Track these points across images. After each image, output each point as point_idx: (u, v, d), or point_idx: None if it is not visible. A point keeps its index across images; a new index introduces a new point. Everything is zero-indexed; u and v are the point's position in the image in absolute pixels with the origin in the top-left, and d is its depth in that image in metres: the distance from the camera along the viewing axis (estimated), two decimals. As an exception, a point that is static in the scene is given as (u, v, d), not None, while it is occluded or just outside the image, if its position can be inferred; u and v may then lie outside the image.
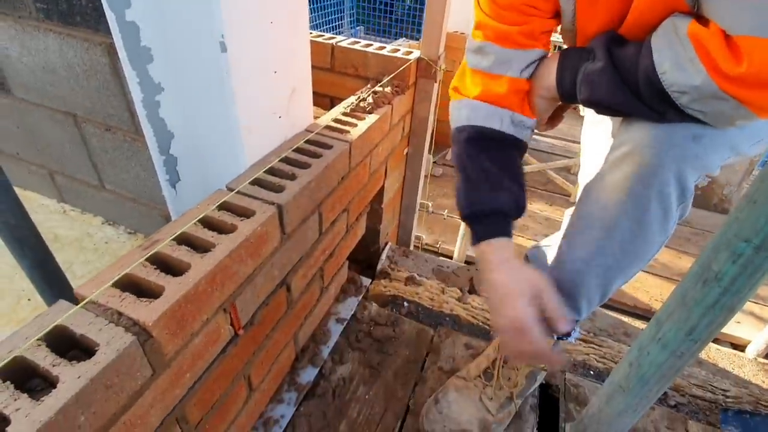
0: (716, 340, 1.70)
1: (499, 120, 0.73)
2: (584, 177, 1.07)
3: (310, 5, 3.66)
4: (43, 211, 1.43)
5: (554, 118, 0.76)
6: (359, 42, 1.24)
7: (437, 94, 1.29)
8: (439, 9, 1.13)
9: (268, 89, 0.74)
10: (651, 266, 1.95)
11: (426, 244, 1.81)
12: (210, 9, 0.60)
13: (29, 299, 1.15)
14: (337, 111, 0.98)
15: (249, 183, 0.69)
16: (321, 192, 0.79)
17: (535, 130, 0.78)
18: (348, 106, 1.01)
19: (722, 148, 0.60)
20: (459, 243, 1.67)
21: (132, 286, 0.51)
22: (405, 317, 1.10)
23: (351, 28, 4.47)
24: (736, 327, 1.72)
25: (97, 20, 0.92)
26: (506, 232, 0.70)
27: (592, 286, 0.72)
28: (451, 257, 1.76)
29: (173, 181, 0.85)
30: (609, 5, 0.64)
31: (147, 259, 0.54)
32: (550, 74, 0.70)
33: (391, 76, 1.14)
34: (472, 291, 1.26)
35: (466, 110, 0.75)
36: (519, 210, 0.72)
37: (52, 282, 0.86)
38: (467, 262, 1.71)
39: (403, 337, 1.04)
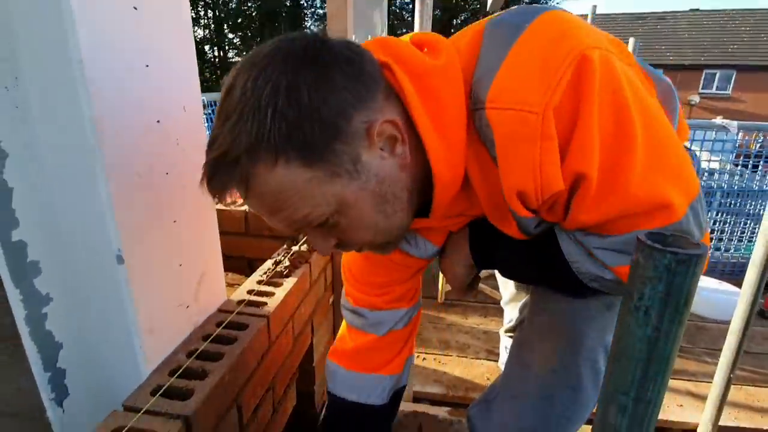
0: (668, 430, 1.70)
1: (364, 391, 0.82)
2: (505, 305, 1.14)
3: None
4: None
5: (472, 284, 0.78)
6: (272, 205, 1.31)
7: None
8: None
9: (173, 283, 0.72)
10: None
11: (369, 388, 1.70)
12: (104, 227, 0.60)
13: None
14: (252, 281, 0.97)
15: (151, 394, 0.62)
16: (238, 382, 0.73)
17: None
18: (264, 273, 1.01)
19: None
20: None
21: None
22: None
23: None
24: (680, 411, 1.76)
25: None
26: None
27: None
28: (397, 397, 1.66)
29: (60, 398, 0.74)
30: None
31: None
32: (463, 248, 0.70)
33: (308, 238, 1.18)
34: (423, 441, 1.17)
35: (337, 377, 0.84)
36: None
37: None
38: (415, 399, 1.62)
39: None
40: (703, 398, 1.78)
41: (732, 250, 2.95)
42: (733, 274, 2.82)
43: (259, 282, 0.97)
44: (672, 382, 1.94)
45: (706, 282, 2.47)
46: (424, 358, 1.97)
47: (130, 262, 0.62)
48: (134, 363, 0.67)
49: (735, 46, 18.54)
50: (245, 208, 1.27)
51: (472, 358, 2.03)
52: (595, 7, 3.45)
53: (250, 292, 0.92)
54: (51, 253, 0.65)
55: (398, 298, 0.81)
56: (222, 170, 0.47)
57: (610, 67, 0.48)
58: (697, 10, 20.65)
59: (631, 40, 2.53)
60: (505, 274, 0.70)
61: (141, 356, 0.66)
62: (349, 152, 0.48)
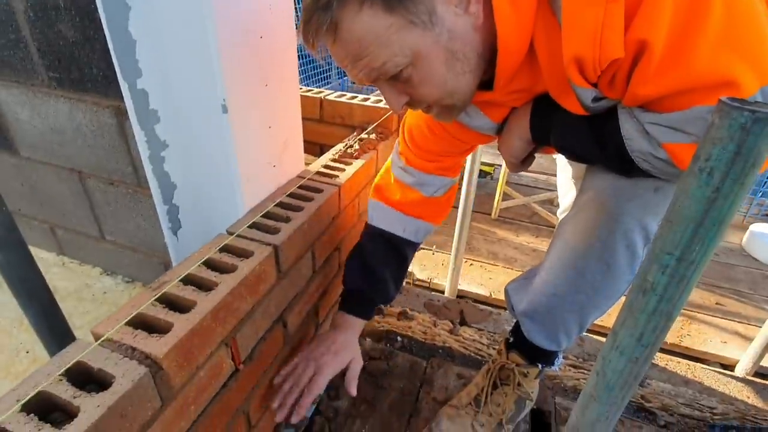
0: (706, 361, 1.73)
1: (402, 227, 0.91)
2: (561, 214, 1.16)
3: (299, 60, 3.89)
4: (43, 264, 1.46)
5: (526, 160, 0.80)
6: (345, 95, 1.36)
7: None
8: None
9: (264, 143, 0.83)
10: (637, 292, 2.01)
11: (418, 279, 1.85)
12: (213, 78, 0.69)
13: (27, 352, 1.17)
14: (326, 158, 1.07)
15: (247, 227, 0.76)
16: (313, 232, 0.85)
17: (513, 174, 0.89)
18: (336, 153, 1.10)
19: None
20: (449, 278, 1.72)
21: (143, 323, 0.56)
22: (398, 351, 1.14)
23: (339, 79, 4.71)
24: (723, 347, 1.76)
25: (106, 86, 1.02)
26: (364, 314, 0.92)
27: (568, 321, 0.76)
28: (442, 292, 1.81)
29: (175, 228, 0.91)
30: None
31: (156, 299, 0.59)
32: (524, 119, 0.71)
33: (375, 124, 1.24)
34: (464, 323, 1.31)
35: (379, 212, 0.92)
36: (385, 301, 0.95)
37: (57, 332, 0.89)
38: (459, 296, 1.76)
39: (397, 370, 1.07)
40: (749, 340, 1.76)
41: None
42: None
43: (332, 159, 1.07)
44: (722, 321, 1.92)
45: None
46: (471, 264, 2.09)
47: (232, 114, 0.72)
48: (234, 203, 0.80)
49: None
50: (322, 95, 1.33)
51: (518, 270, 2.11)
52: None
53: (325, 166, 1.02)
54: (167, 103, 0.76)
55: (446, 168, 0.88)
56: (315, 15, 0.54)
57: None
58: None
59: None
60: (561, 150, 0.70)
61: (240, 197, 0.79)
62: (426, 3, 0.52)
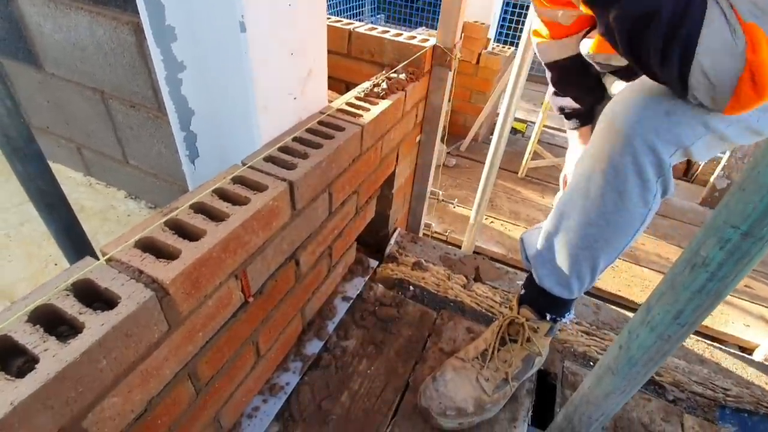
0: (724, 342, 1.69)
1: (572, 48, 0.96)
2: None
3: (331, -9, 3.65)
4: (71, 183, 1.50)
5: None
6: (376, 28, 1.26)
7: (452, 83, 1.30)
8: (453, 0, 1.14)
9: (285, 70, 0.77)
10: (659, 263, 1.94)
11: (435, 232, 1.83)
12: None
13: (56, 264, 1.22)
14: (351, 95, 1.01)
15: (263, 159, 0.73)
16: (332, 172, 0.82)
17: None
18: (362, 91, 1.04)
19: (694, 124, 0.63)
20: (468, 233, 1.69)
21: (152, 247, 0.55)
22: (410, 300, 1.13)
23: (372, 15, 4.45)
24: (744, 330, 1.70)
25: (125, 0, 0.96)
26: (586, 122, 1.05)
27: (579, 260, 0.77)
28: (459, 246, 1.78)
29: (193, 156, 0.89)
30: None
31: (166, 224, 0.58)
32: None
33: (406, 62, 1.15)
34: (478, 279, 1.28)
35: (548, 48, 1.02)
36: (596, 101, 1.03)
37: (77, 246, 0.91)
38: (476, 253, 1.73)
39: (407, 318, 1.07)
40: (777, 324, 1.69)
41: None
42: None
43: (357, 98, 1.00)
44: (748, 305, 1.85)
45: None
46: (492, 222, 2.04)
47: (251, 34, 0.66)
48: (250, 135, 0.77)
49: None
50: (351, 26, 1.24)
51: (540, 233, 2.05)
52: None
53: (348, 104, 0.96)
54: (184, 19, 0.71)
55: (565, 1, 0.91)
56: None
57: None
58: None
59: None
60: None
61: (256, 129, 0.75)
62: None
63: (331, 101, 0.99)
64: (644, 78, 0.69)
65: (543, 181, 2.42)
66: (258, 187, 0.67)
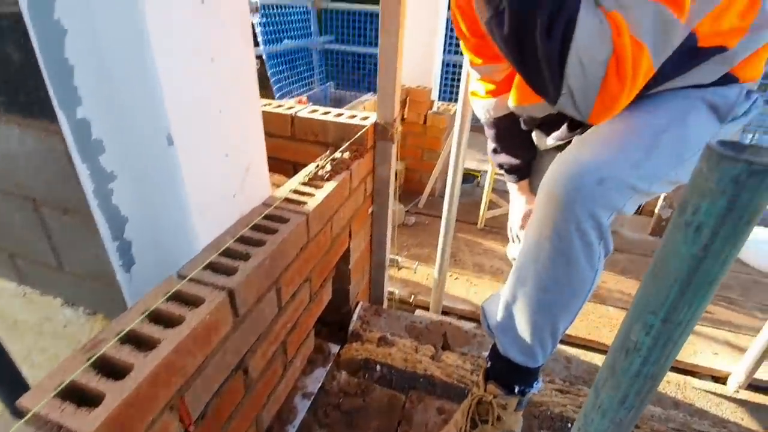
0: (696, 374, 1.70)
1: (505, 107, 1.02)
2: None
3: (281, 65, 3.81)
4: (3, 294, 1.38)
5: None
6: (318, 110, 1.30)
7: (396, 154, 1.34)
8: (390, 78, 1.20)
9: (221, 172, 0.77)
10: (622, 300, 1.98)
11: (401, 298, 1.80)
12: (155, 107, 0.62)
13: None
14: (295, 181, 1.01)
15: (201, 268, 0.69)
16: (278, 267, 0.79)
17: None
18: (307, 176, 1.04)
19: (624, 188, 0.68)
20: (433, 294, 1.67)
21: (73, 393, 0.50)
22: (376, 383, 1.08)
23: (321, 84, 4.65)
24: (714, 359, 1.73)
25: (54, 111, 0.94)
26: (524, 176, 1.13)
27: (539, 326, 0.78)
28: (427, 308, 1.75)
29: (128, 264, 0.84)
30: None
31: (90, 363, 0.52)
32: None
33: (349, 142, 1.18)
34: (446, 347, 1.25)
35: (485, 107, 1.08)
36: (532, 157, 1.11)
37: (6, 379, 0.82)
38: (443, 312, 1.71)
39: (374, 405, 1.01)
40: (741, 350, 1.73)
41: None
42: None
43: (302, 183, 1.00)
44: (712, 331, 1.89)
45: (765, 235, 2.26)
46: (456, 278, 2.04)
47: (180, 144, 0.65)
48: (188, 240, 0.74)
49: None
50: (292, 111, 1.27)
51: (504, 282, 2.06)
52: None
53: (292, 191, 0.96)
54: (113, 133, 0.70)
55: (493, 56, 0.96)
56: None
57: None
58: None
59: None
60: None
61: (194, 234, 0.73)
62: None
63: (279, 186, 0.99)
64: (573, 148, 0.74)
65: (503, 229, 2.48)
66: (195, 301, 0.63)
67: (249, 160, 0.83)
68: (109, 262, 1.12)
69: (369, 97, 3.15)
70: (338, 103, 4.65)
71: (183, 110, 0.65)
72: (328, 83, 4.77)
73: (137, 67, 0.60)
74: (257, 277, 0.72)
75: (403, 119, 2.70)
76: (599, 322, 1.82)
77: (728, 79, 0.71)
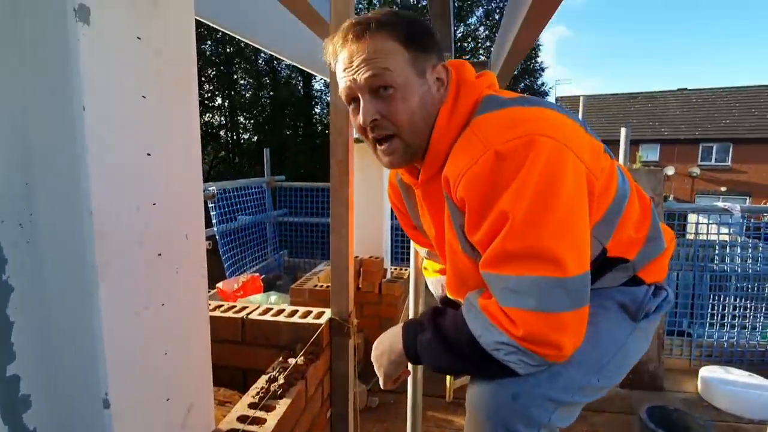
0: None
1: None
2: None
3: (234, 242, 3.90)
4: None
5: (399, 377, 0.91)
6: (271, 309, 1.29)
7: (354, 346, 1.31)
8: (342, 273, 1.23)
9: (159, 418, 0.69)
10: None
11: None
12: (97, 367, 0.58)
13: None
14: (243, 405, 0.92)
15: None
16: None
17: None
18: (257, 393, 0.96)
19: (540, 401, 0.69)
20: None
21: None
22: None
23: (275, 253, 4.75)
24: None
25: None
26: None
27: None
28: None
29: None
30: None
31: None
32: (398, 344, 0.84)
33: (307, 346, 1.14)
34: None
35: (437, 283, 1.12)
36: None
37: None
38: None
39: None
40: None
41: (759, 338, 2.78)
42: (763, 363, 2.63)
43: (251, 405, 0.92)
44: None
45: (735, 375, 2.29)
46: (431, 470, 1.79)
47: (117, 406, 0.60)
48: None
49: (728, 121, 19.29)
50: (242, 314, 1.24)
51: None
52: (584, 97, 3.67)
53: (240, 419, 0.87)
54: (43, 388, 0.63)
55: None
56: (353, 30, 0.73)
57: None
58: (685, 89, 21.87)
59: (623, 131, 2.63)
60: (436, 370, 0.79)
61: None
62: (424, 64, 0.75)
63: (225, 404, 0.89)
64: None
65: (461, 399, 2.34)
66: None
67: (192, 399, 0.77)
68: None
69: (323, 268, 3.21)
70: (292, 270, 4.69)
71: (126, 363, 0.61)
72: (282, 251, 4.89)
73: (80, 321, 0.58)
74: None
75: (358, 288, 2.73)
76: None
77: (635, 281, 0.79)
